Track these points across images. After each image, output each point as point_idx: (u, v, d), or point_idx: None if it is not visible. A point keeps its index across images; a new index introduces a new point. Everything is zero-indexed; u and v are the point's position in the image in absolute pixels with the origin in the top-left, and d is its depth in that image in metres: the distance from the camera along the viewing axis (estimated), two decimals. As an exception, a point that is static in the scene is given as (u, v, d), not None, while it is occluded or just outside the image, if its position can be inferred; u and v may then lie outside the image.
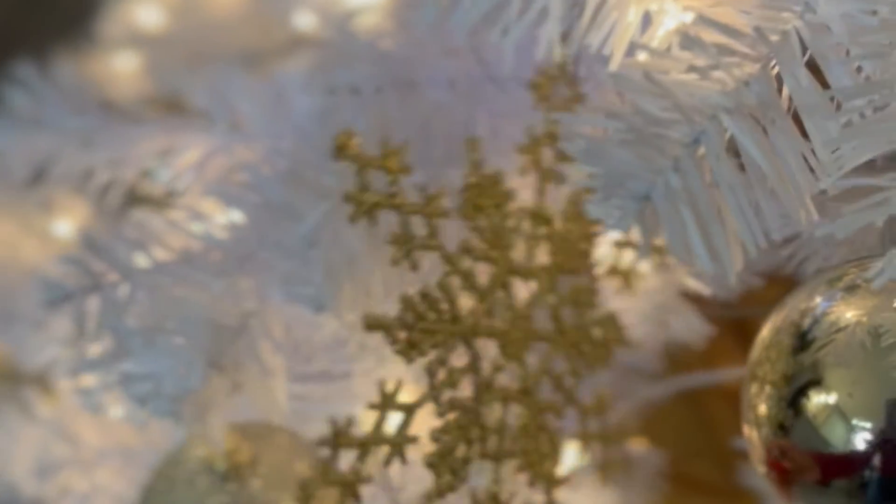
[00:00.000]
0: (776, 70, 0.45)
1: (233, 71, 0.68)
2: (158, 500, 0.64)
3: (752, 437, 0.50)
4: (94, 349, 0.60)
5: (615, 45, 0.48)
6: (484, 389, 0.58)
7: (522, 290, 0.60)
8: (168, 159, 0.67)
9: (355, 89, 0.60)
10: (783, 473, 0.48)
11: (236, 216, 0.62)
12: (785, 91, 0.45)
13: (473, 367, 0.58)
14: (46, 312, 0.89)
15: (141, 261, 0.63)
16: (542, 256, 0.60)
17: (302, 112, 0.65)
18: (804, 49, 0.45)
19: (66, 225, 1.10)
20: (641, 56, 0.46)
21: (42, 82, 0.68)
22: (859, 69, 0.44)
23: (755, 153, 0.44)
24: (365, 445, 0.56)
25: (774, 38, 0.45)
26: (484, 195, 0.56)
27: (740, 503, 0.92)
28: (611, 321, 0.62)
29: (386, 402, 0.56)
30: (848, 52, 0.44)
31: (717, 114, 0.44)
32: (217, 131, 0.67)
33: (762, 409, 0.49)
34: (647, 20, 0.49)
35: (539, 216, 0.59)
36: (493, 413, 0.59)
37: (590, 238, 0.60)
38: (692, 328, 0.67)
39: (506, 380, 0.59)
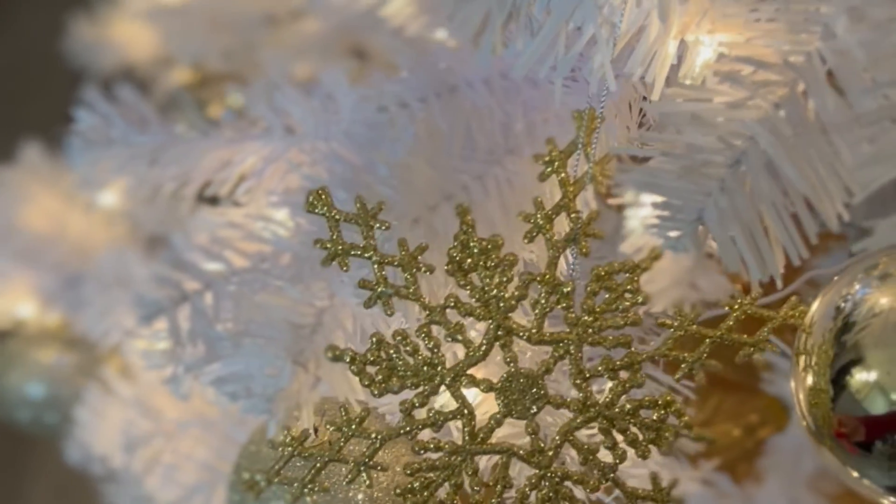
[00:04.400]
0: (804, 89, 0.50)
1: (282, 79, 0.73)
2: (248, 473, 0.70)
3: (800, 399, 0.57)
4: (189, 353, 0.67)
5: (657, 75, 0.52)
6: (475, 438, 0.60)
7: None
8: (230, 169, 0.72)
9: (403, 103, 0.65)
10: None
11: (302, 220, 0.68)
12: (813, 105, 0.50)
13: (462, 414, 0.60)
14: (108, 290, 0.96)
15: (219, 269, 0.69)
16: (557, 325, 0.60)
17: (350, 116, 0.69)
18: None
19: (109, 196, 1.15)
20: (681, 88, 0.51)
21: (107, 104, 0.72)
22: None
23: (789, 169, 0.49)
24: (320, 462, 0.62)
25: (799, 59, 0.50)
26: (474, 257, 0.59)
27: (758, 399, 0.98)
28: (671, 405, 0.59)
29: (350, 426, 0.61)
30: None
31: (755, 135, 0.50)
32: (274, 137, 0.72)
33: (809, 379, 0.55)
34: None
35: (552, 285, 0.59)
36: (491, 464, 0.61)
37: (623, 313, 0.58)
38: (718, 287, 0.72)
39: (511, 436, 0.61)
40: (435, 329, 0.60)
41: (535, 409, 0.60)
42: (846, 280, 0.55)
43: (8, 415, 1.15)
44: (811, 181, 0.49)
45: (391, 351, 0.60)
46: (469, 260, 0.59)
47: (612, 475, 0.60)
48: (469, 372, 0.60)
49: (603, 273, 0.58)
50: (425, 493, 0.60)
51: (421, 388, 0.60)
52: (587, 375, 0.59)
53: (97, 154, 0.72)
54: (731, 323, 0.57)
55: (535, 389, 0.60)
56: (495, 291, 0.59)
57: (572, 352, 0.59)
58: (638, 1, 0.53)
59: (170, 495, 0.84)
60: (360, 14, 0.94)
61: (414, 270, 0.59)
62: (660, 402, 0.59)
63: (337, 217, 0.59)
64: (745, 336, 0.58)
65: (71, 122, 0.75)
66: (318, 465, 0.62)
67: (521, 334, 0.59)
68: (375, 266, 0.59)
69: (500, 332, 0.59)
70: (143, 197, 0.73)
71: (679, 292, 0.73)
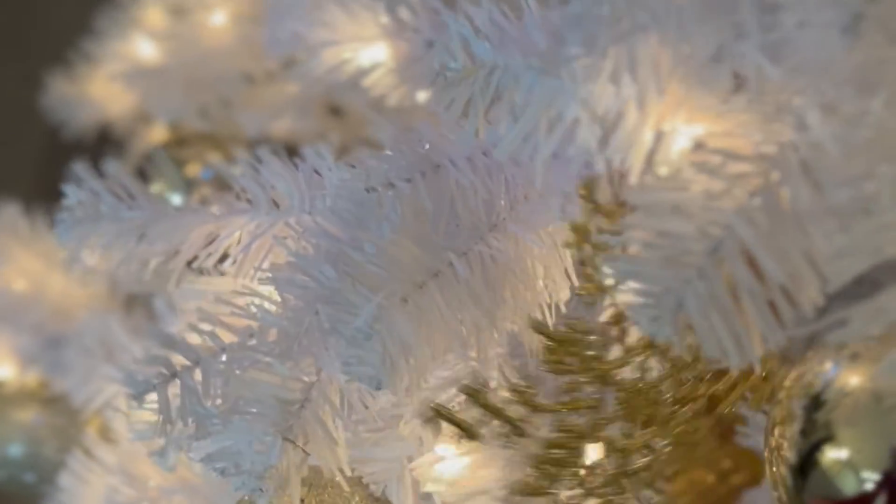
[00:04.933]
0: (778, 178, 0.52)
1: (267, 153, 0.74)
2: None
3: (774, 477, 0.59)
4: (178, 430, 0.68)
5: (634, 162, 0.54)
6: None
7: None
8: (217, 243, 0.73)
9: (389, 183, 0.66)
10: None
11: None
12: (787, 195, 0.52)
13: None
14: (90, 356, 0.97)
15: (207, 344, 0.70)
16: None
17: (336, 192, 0.71)
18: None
19: (87, 256, 1.15)
20: (659, 177, 0.53)
21: (96, 179, 0.73)
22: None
23: (765, 258, 0.51)
24: None
25: (772, 149, 0.52)
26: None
27: (731, 445, 1.00)
28: None
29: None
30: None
31: (732, 225, 0.51)
32: (260, 212, 0.73)
33: (781, 455, 0.58)
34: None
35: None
36: None
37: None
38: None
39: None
40: None
41: None
42: (818, 358, 0.57)
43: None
44: (787, 269, 0.51)
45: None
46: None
47: None
48: None
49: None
50: None
51: None
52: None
53: (86, 229, 0.73)
54: None
55: None
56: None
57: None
58: (617, 90, 0.55)
59: (155, 562, 0.85)
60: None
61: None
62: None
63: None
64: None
65: (45, 179, 0.76)
66: None
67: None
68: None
69: None
70: (132, 272, 0.74)
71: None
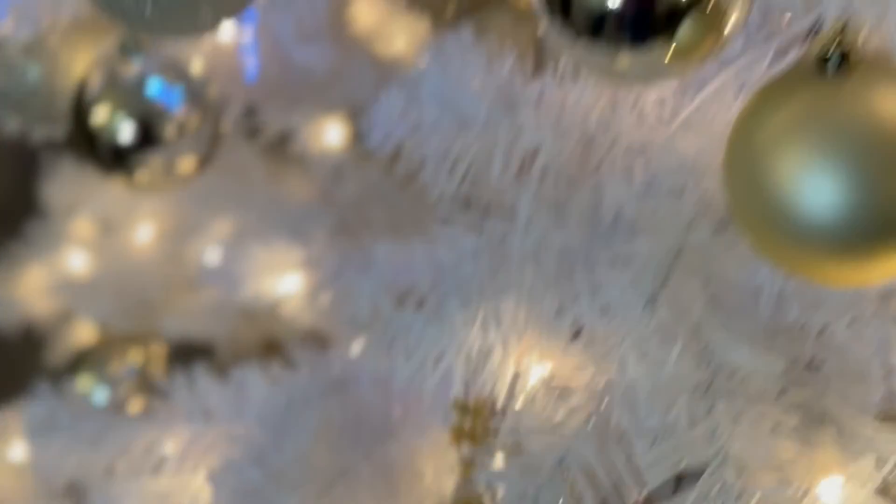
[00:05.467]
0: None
1: (202, 371, 0.89)
2: None
3: None
4: None
5: (499, 392, 0.71)
6: None
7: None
8: (157, 449, 0.87)
9: (307, 399, 0.82)
10: None
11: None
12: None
13: None
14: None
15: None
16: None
17: (261, 403, 0.86)
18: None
19: (18, 450, 1.26)
20: (518, 407, 0.70)
21: (55, 395, 0.88)
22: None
23: (598, 468, 0.68)
24: None
25: (602, 384, 0.70)
26: None
27: None
28: None
29: None
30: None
31: (572, 443, 0.68)
32: (194, 421, 0.88)
33: None
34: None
35: None
36: None
37: None
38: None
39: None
40: None
41: None
42: None
43: None
44: (614, 476, 0.68)
45: None
46: None
47: None
48: None
49: None
50: None
51: None
52: None
53: (46, 440, 0.87)
54: None
55: None
56: None
57: None
58: (485, 336, 0.72)
59: None
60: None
61: None
62: None
63: None
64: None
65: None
66: None
67: None
68: None
69: None
70: (88, 476, 0.87)
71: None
